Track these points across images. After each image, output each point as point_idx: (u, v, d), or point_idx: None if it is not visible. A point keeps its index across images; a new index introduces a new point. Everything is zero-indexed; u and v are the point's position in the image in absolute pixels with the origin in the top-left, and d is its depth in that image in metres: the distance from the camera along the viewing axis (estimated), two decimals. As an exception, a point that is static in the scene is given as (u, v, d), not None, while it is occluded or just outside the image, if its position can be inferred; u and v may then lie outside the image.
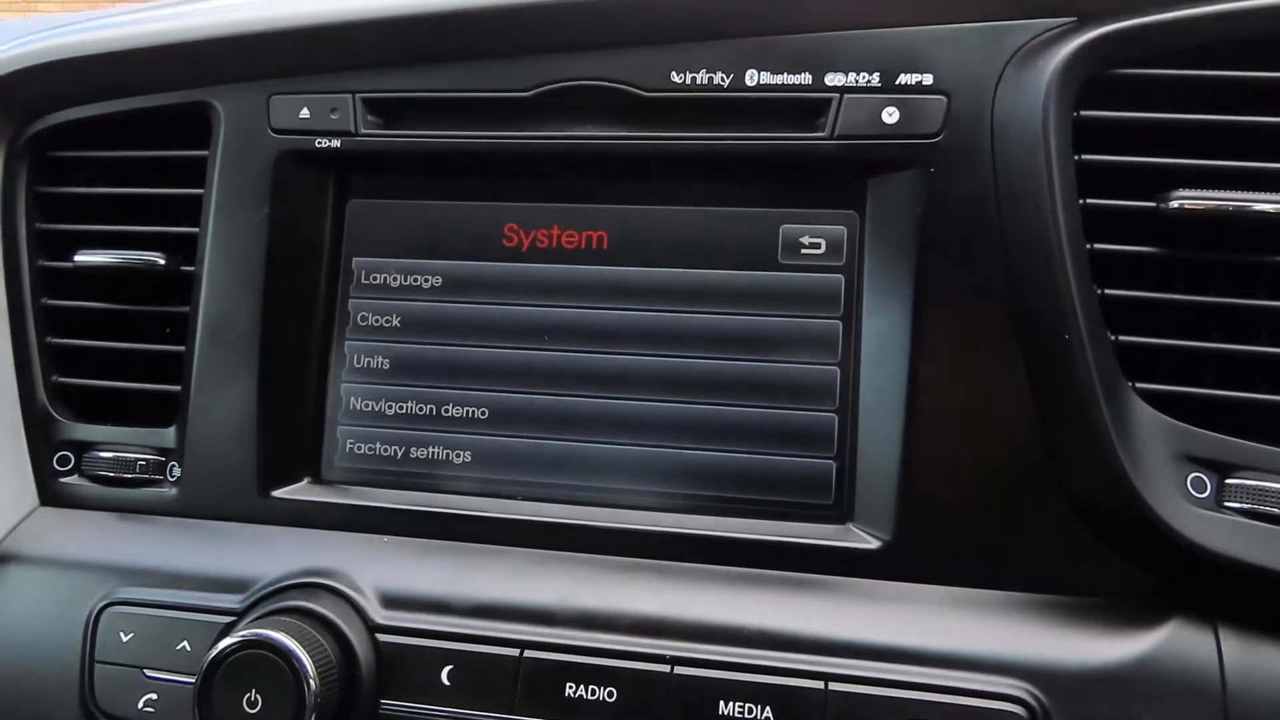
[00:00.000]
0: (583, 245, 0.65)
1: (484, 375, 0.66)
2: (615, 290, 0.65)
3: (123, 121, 0.72)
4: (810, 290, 0.62)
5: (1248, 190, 0.54)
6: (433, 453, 0.66)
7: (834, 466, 0.61)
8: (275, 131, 0.68)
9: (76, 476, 0.70)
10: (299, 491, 0.66)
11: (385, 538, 0.64)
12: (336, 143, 0.67)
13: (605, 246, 0.65)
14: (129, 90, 0.71)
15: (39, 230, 0.73)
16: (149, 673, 0.59)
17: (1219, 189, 0.54)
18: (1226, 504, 0.53)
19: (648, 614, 0.57)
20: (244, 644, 0.53)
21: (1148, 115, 0.56)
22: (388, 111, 0.67)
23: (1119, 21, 0.56)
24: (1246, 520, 0.53)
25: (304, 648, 0.54)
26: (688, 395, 0.63)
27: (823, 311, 0.62)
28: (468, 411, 0.66)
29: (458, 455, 0.66)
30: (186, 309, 0.69)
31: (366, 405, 0.67)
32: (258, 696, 0.53)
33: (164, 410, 0.69)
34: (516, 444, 0.65)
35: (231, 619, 0.59)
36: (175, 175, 0.71)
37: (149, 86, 0.71)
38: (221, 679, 0.53)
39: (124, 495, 0.69)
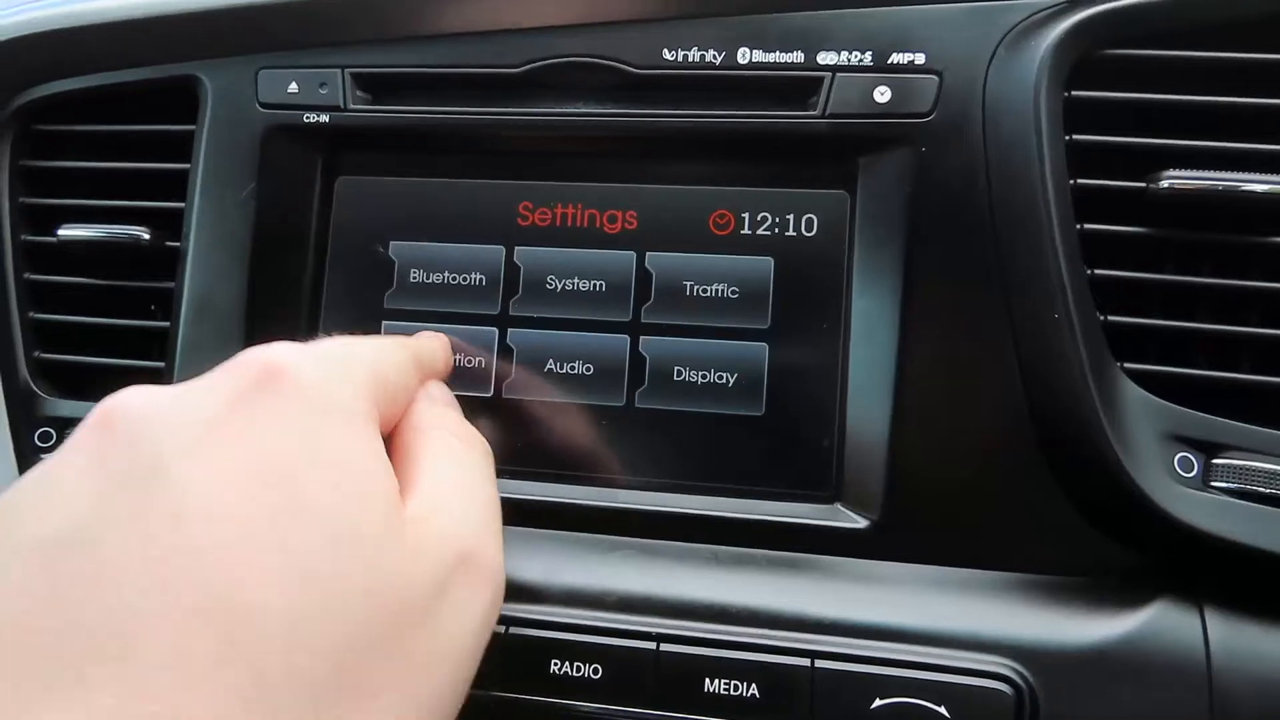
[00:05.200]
0: (573, 223, 0.65)
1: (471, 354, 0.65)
2: (610, 271, 0.64)
3: (109, 95, 0.71)
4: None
5: (1239, 171, 0.54)
6: (419, 430, 0.65)
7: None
8: (263, 106, 0.67)
9: (58, 453, 0.69)
10: (284, 469, 0.65)
11: (370, 515, 0.63)
12: (325, 118, 0.66)
13: (592, 225, 0.65)
14: (115, 64, 0.70)
15: (22, 204, 0.72)
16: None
17: (1210, 169, 0.54)
18: (1213, 484, 0.53)
19: (634, 592, 0.57)
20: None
21: (1139, 95, 0.57)
22: (377, 87, 0.66)
23: (1111, 2, 0.57)
24: (1233, 500, 0.53)
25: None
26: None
27: (812, 291, 0.62)
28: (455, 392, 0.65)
29: (444, 433, 0.65)
30: (172, 285, 0.68)
31: (353, 383, 0.67)
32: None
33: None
34: (501, 425, 0.65)
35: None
36: (162, 150, 0.70)
37: (135, 60, 0.70)
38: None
39: (106, 472, 0.68)
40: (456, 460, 0.47)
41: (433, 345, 0.58)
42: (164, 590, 0.29)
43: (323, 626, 0.31)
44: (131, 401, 0.37)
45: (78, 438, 0.36)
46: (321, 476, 0.35)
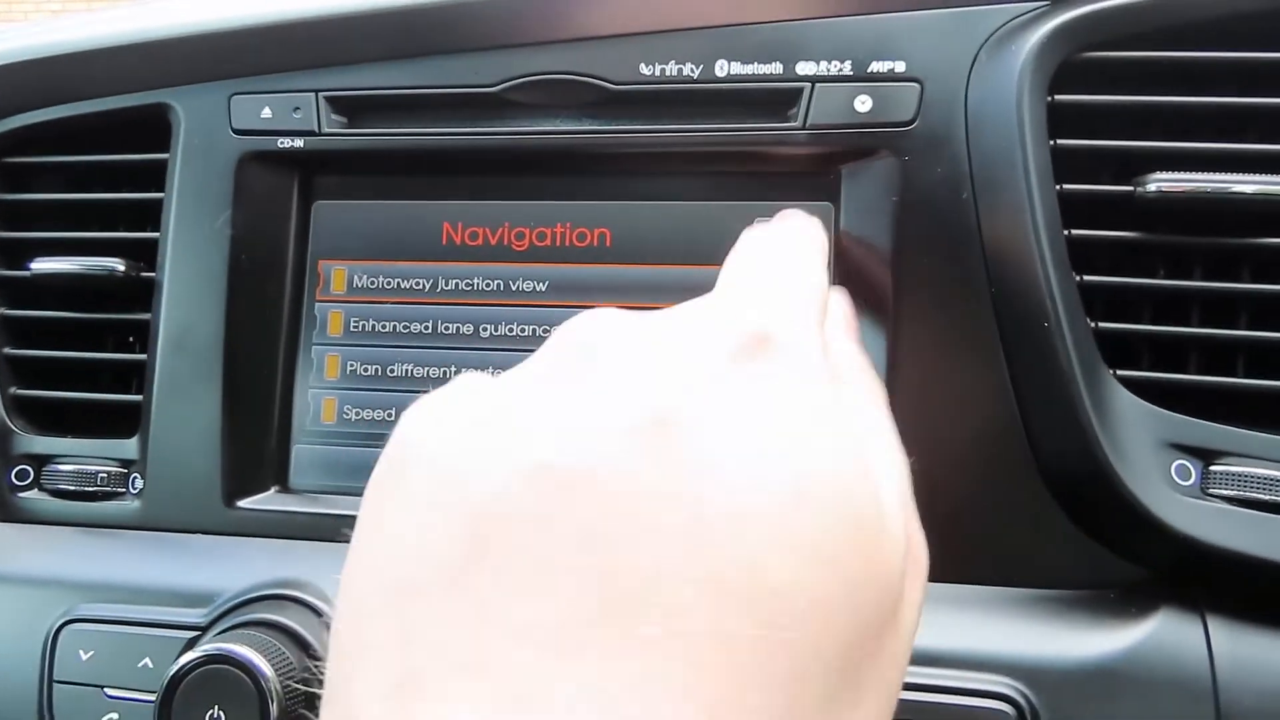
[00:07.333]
0: (552, 243, 0.64)
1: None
2: (589, 288, 0.63)
3: (80, 125, 0.70)
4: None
5: (1227, 172, 0.53)
6: (403, 458, 0.64)
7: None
8: (236, 132, 0.66)
9: (36, 491, 0.68)
10: (265, 501, 0.64)
11: (355, 546, 0.62)
12: (299, 142, 0.65)
13: (572, 243, 0.64)
14: (86, 93, 0.69)
15: (-6, 238, 0.71)
16: (110, 691, 0.57)
17: (1197, 171, 0.53)
18: (1211, 491, 0.52)
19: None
20: (205, 659, 0.51)
21: (1123, 98, 0.56)
22: (352, 110, 0.65)
23: (1092, 4, 0.56)
24: (1232, 507, 0.52)
25: (268, 661, 0.52)
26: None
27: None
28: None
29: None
30: (148, 316, 0.67)
31: (335, 411, 0.66)
32: (220, 712, 0.51)
33: (126, 421, 0.67)
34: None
35: (195, 634, 0.57)
36: (135, 180, 0.69)
37: (106, 89, 0.69)
38: (182, 695, 0.51)
39: (85, 509, 0.66)
40: (879, 426, 0.42)
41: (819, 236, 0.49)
42: (695, 556, 0.26)
43: (837, 615, 0.28)
44: (616, 331, 0.34)
45: (558, 358, 0.34)
46: (834, 448, 0.31)
